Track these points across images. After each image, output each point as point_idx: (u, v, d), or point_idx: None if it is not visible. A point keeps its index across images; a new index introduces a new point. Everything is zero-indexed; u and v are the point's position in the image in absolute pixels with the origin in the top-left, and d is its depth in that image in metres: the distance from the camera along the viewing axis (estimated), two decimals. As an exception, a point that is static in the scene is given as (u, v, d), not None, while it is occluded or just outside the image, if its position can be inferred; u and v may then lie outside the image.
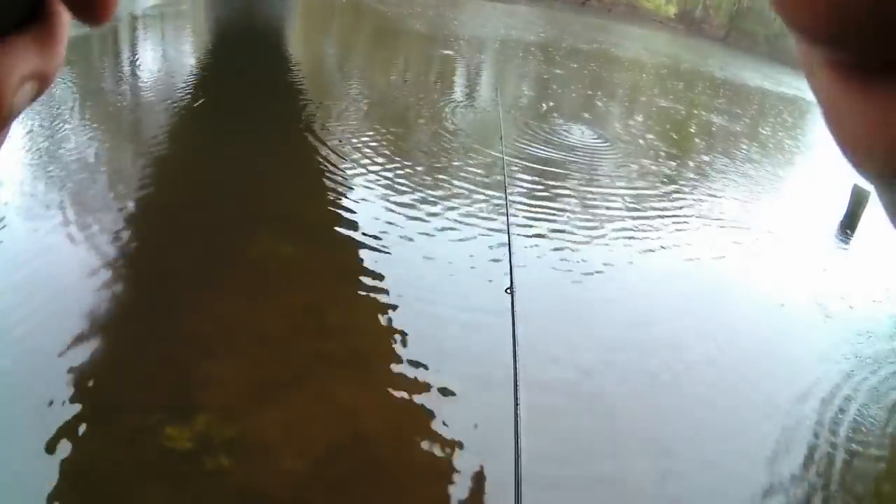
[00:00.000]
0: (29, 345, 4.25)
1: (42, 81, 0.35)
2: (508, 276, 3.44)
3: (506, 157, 8.29)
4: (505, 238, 4.23)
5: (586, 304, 6.20)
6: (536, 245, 6.96)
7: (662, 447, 4.45)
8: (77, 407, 3.79)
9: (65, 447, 3.50)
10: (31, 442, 3.52)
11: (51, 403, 3.79)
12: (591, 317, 6.03)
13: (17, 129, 8.11)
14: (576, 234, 7.46)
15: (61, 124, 8.24)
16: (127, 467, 3.51)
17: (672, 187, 10.24)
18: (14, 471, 3.39)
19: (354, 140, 9.17)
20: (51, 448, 3.48)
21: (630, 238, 7.69)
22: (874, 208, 9.86)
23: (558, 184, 8.96)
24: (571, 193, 8.72)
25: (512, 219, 7.14)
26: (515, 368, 1.99)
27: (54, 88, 9.98)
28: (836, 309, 7.04)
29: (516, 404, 1.89)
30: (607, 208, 8.55)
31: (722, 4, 54.38)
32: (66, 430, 3.61)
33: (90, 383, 3.99)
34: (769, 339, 6.19)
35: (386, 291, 5.51)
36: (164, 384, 4.14)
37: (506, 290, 2.83)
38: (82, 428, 3.65)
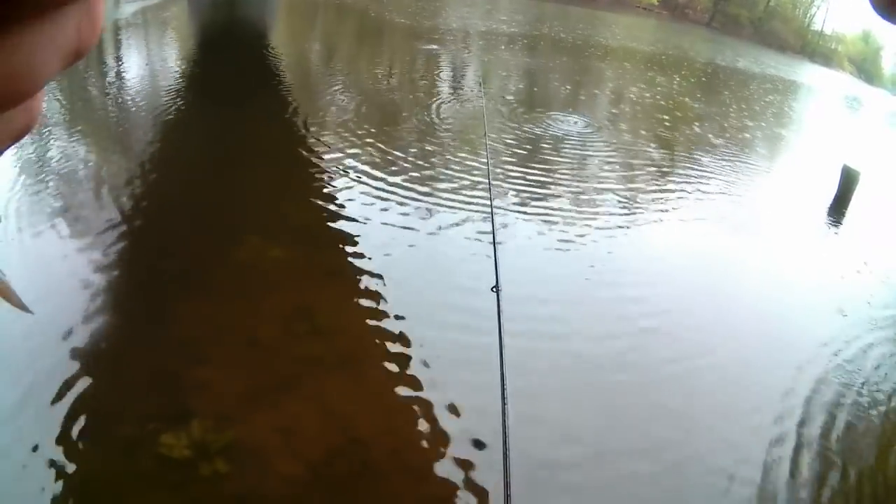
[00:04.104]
0: (21, 356, 4.25)
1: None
2: (497, 274, 3.46)
3: (493, 151, 8.29)
4: (497, 237, 4.21)
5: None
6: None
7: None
8: (72, 418, 3.79)
9: (61, 459, 3.50)
10: (27, 454, 3.52)
11: (46, 415, 3.79)
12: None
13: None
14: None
15: (48, 133, 8.22)
16: (124, 477, 3.51)
17: (662, 170, 10.28)
18: (11, 485, 3.39)
19: (341, 141, 9.17)
20: (47, 460, 3.48)
21: (621, 222, 7.74)
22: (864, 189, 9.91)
23: (550, 178, 8.97)
24: (563, 189, 8.74)
25: (505, 212, 7.18)
26: (502, 367, 2.00)
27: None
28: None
29: (504, 402, 1.90)
30: (598, 191, 8.59)
31: (705, -11, 54.51)
32: (63, 441, 3.61)
33: (84, 393, 3.99)
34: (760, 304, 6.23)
35: (376, 292, 5.52)
36: (159, 392, 4.13)
37: (492, 289, 2.81)
38: (78, 439, 3.65)
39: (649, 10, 51.51)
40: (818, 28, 56.55)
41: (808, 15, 56.88)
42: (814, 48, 53.08)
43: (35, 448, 3.57)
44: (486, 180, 5.62)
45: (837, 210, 9.60)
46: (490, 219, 4.76)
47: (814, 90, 28.43)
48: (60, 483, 3.37)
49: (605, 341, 5.41)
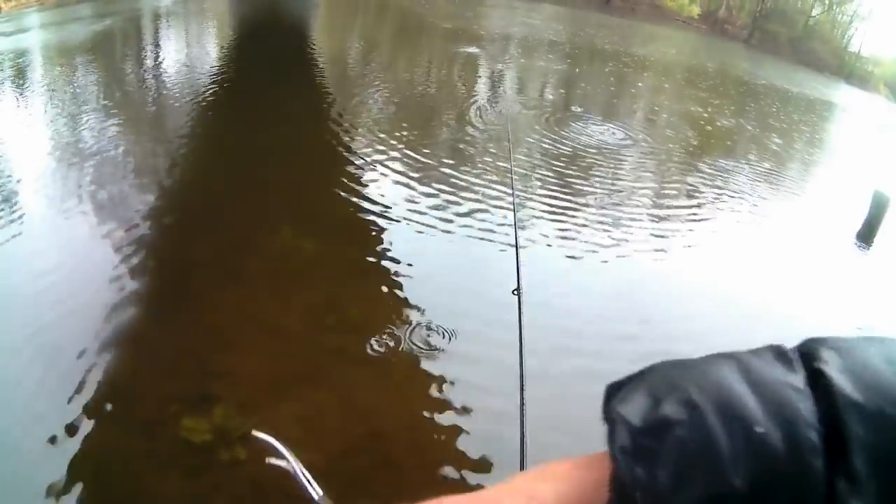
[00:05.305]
0: (51, 335, 4.32)
1: None
2: (519, 276, 3.43)
3: (525, 158, 8.31)
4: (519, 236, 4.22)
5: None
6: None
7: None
8: (97, 397, 3.84)
9: (84, 437, 3.55)
10: (51, 431, 3.57)
11: (72, 393, 3.85)
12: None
13: (41, 120, 8.23)
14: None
15: (86, 118, 8.33)
16: (144, 458, 3.56)
17: (693, 185, 10.25)
18: (34, 458, 3.45)
19: (378, 138, 9.21)
20: (70, 437, 3.53)
21: (644, 251, 7.70)
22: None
23: (582, 188, 8.96)
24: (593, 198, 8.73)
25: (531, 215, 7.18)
26: (521, 372, 2.01)
27: (78, 81, 10.10)
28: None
29: (522, 404, 1.92)
30: (630, 210, 8.56)
31: (745, 5, 54.08)
32: (86, 420, 3.67)
33: (110, 373, 4.05)
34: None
35: (407, 287, 5.54)
36: (183, 375, 4.18)
37: (512, 292, 2.80)
38: (101, 418, 3.70)
39: (688, 24, 51.20)
40: (855, 50, 56.06)
41: (847, 36, 56.35)
42: (850, 70, 52.52)
43: (57, 423, 3.63)
44: (513, 185, 5.61)
45: (867, 235, 9.48)
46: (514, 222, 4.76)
47: (848, 112, 28.16)
48: (79, 459, 3.42)
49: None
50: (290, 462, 0.53)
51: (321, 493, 0.54)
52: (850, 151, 18.45)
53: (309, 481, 0.52)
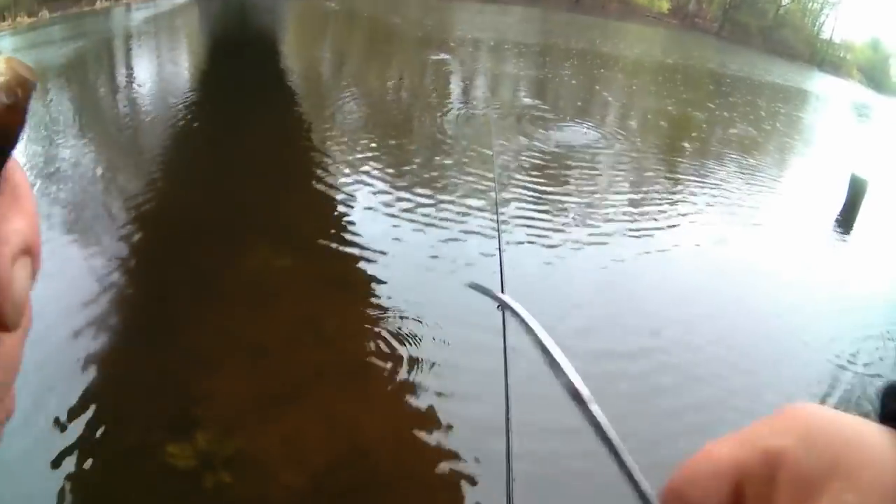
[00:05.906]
0: (29, 364, 4.25)
1: (34, 257, 0.31)
2: (503, 282, 3.38)
3: (501, 163, 8.27)
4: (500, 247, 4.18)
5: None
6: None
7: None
8: (79, 424, 3.79)
9: (67, 466, 3.50)
10: (33, 461, 3.52)
11: (53, 421, 3.79)
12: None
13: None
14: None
15: (59, 140, 8.26)
16: (129, 485, 3.51)
17: (669, 179, 10.26)
18: (20, 489, 3.39)
19: (350, 151, 9.18)
20: (54, 467, 3.48)
21: (630, 236, 7.69)
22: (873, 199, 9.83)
23: (559, 188, 8.94)
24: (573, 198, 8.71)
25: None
26: (506, 381, 1.97)
27: (52, 104, 10.03)
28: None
29: (507, 419, 1.88)
30: (609, 207, 8.55)
31: (715, -2, 54.43)
32: (69, 448, 3.61)
33: (91, 400, 3.99)
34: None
35: (383, 302, 5.50)
36: (165, 400, 4.13)
37: (497, 307, 2.76)
38: (84, 446, 3.65)
39: (658, 19, 51.47)
40: (827, 37, 56.49)
41: (817, 24, 56.79)
42: (823, 57, 52.93)
43: (38, 454, 3.57)
44: (493, 191, 5.58)
45: (845, 219, 9.51)
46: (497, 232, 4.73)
47: (822, 99, 28.35)
48: (62, 491, 3.37)
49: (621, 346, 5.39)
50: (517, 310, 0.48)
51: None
52: (827, 137, 18.56)
53: (530, 322, 0.47)
